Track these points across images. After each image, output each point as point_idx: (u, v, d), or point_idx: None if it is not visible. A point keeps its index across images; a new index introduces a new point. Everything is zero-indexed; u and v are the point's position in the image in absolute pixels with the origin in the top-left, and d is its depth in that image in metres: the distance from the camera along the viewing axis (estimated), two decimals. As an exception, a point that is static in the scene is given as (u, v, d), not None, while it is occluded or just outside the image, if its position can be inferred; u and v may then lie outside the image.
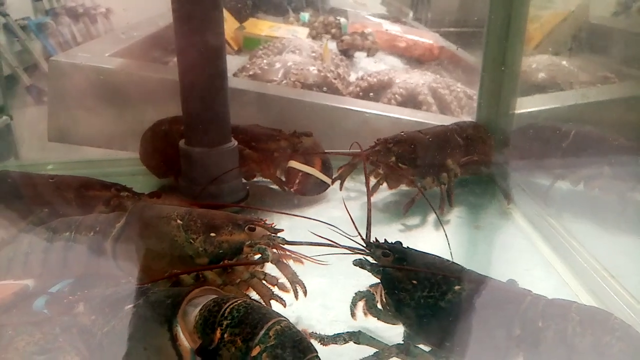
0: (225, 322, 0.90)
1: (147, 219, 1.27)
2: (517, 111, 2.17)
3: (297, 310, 1.34)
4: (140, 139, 2.07)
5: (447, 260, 1.16)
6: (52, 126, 2.49)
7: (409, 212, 1.85)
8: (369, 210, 1.29)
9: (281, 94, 2.54)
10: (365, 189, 1.97)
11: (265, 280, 1.27)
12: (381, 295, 1.17)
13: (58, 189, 1.50)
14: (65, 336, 0.99)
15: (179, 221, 1.26)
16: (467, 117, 2.58)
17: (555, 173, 1.89)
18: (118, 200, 1.52)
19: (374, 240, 1.21)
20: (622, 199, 1.69)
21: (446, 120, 2.25)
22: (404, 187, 1.99)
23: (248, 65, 3.18)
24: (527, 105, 2.26)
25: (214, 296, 0.97)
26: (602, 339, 0.97)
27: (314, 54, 3.48)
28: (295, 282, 1.31)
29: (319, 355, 0.90)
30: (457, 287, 1.07)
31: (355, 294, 1.24)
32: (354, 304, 1.25)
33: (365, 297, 1.21)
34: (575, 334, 0.98)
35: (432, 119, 2.49)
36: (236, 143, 1.89)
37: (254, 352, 0.87)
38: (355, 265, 1.17)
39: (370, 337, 1.11)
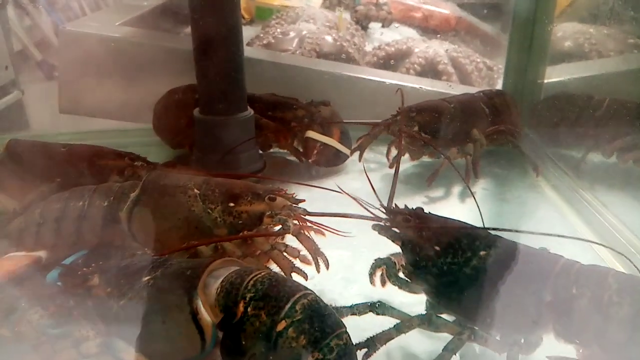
0: (248, 295, 0.85)
1: (162, 188, 1.22)
2: (546, 80, 2.06)
3: (318, 283, 1.29)
4: (153, 108, 2.00)
5: (472, 225, 1.09)
6: (64, 97, 2.44)
7: (433, 184, 1.78)
8: (396, 173, 1.23)
9: (296, 63, 2.46)
10: (385, 160, 1.92)
11: (286, 252, 1.22)
12: (403, 265, 1.11)
13: (70, 158, 1.45)
14: (79, 309, 0.95)
15: (196, 190, 1.21)
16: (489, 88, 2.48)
17: (587, 144, 1.80)
18: (132, 170, 1.46)
19: (394, 207, 1.15)
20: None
21: (468, 90, 2.16)
22: (426, 159, 1.92)
23: (262, 35, 3.09)
24: (556, 74, 2.16)
25: (236, 268, 0.91)
26: None
27: (328, 24, 3.39)
28: (317, 254, 1.25)
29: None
30: (482, 253, 1.00)
31: (375, 260, 1.19)
32: (372, 271, 1.20)
33: (386, 264, 1.15)
34: (612, 303, 0.90)
35: (453, 89, 2.40)
36: (252, 112, 1.82)
37: (280, 327, 0.82)
38: (374, 229, 1.12)
39: (390, 307, 1.06)
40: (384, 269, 1.15)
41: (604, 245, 1.33)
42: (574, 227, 1.57)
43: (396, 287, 1.13)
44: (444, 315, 1.06)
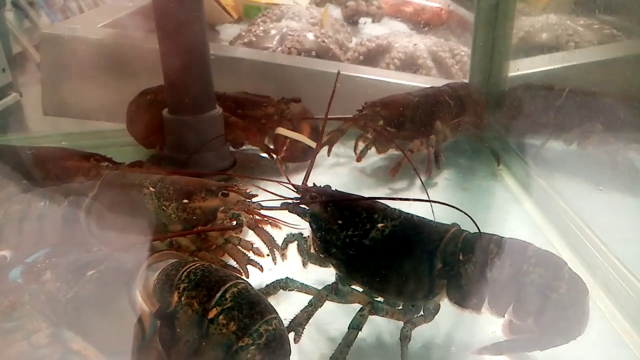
0: (182, 286, 0.89)
1: (119, 187, 1.27)
2: (512, 74, 2.10)
3: (275, 274, 1.33)
4: (126, 109, 2.05)
5: (379, 202, 1.14)
6: (46, 100, 2.49)
7: (397, 176, 1.82)
8: (314, 157, 1.30)
9: (274, 60, 2.49)
10: (353, 154, 1.96)
11: (240, 246, 1.27)
12: (313, 239, 1.16)
13: (37, 160, 1.50)
14: (33, 303, 1.00)
15: (151, 188, 1.26)
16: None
17: (548, 133, 1.84)
18: (97, 171, 1.51)
19: (304, 186, 1.21)
20: (613, 157, 1.64)
21: (434, 83, 2.19)
22: (394, 152, 1.95)
23: (244, 33, 3.13)
24: (525, 67, 2.18)
25: (173, 260, 0.96)
26: (521, 268, 0.98)
27: (313, 20, 3.42)
28: (273, 246, 1.30)
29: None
30: (380, 225, 1.06)
31: (287, 235, 1.26)
32: (285, 246, 1.27)
33: (297, 240, 1.22)
34: (494, 265, 0.99)
35: (430, 82, 2.42)
36: (221, 110, 1.86)
37: (211, 314, 0.86)
38: (282, 208, 1.18)
39: (298, 282, 1.12)
40: (296, 244, 1.22)
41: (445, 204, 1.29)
42: (528, 213, 1.62)
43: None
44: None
